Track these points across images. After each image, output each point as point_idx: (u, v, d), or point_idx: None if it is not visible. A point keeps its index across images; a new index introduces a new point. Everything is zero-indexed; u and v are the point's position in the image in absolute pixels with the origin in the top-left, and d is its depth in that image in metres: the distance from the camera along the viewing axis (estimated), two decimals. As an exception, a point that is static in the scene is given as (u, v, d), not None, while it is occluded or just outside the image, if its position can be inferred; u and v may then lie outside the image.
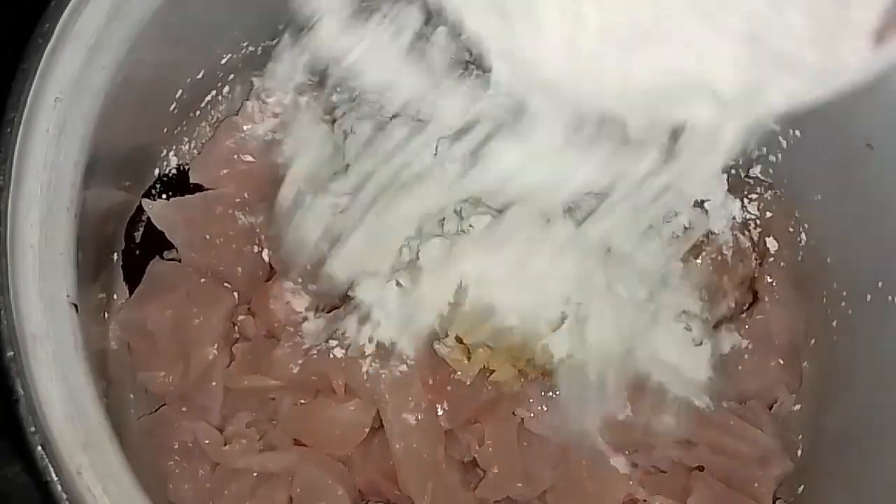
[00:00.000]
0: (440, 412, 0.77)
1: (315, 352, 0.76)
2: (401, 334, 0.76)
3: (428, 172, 0.79)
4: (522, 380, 0.77)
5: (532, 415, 0.77)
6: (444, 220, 0.78)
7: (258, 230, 0.84)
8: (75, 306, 0.61)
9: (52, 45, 0.63)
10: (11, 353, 0.57)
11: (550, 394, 0.77)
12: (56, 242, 0.62)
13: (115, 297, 0.80)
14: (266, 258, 0.84)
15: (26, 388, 0.57)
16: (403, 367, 0.75)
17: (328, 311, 0.79)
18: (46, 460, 0.56)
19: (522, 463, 0.77)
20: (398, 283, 0.75)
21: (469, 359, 0.75)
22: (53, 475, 0.56)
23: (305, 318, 0.79)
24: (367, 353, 0.75)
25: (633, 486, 0.78)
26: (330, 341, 0.76)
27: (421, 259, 0.76)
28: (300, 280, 0.80)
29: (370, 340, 0.76)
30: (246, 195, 0.85)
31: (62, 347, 0.60)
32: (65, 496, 0.55)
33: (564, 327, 0.75)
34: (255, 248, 0.84)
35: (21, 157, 0.61)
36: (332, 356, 0.76)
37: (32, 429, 0.56)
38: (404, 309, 0.75)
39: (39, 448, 0.56)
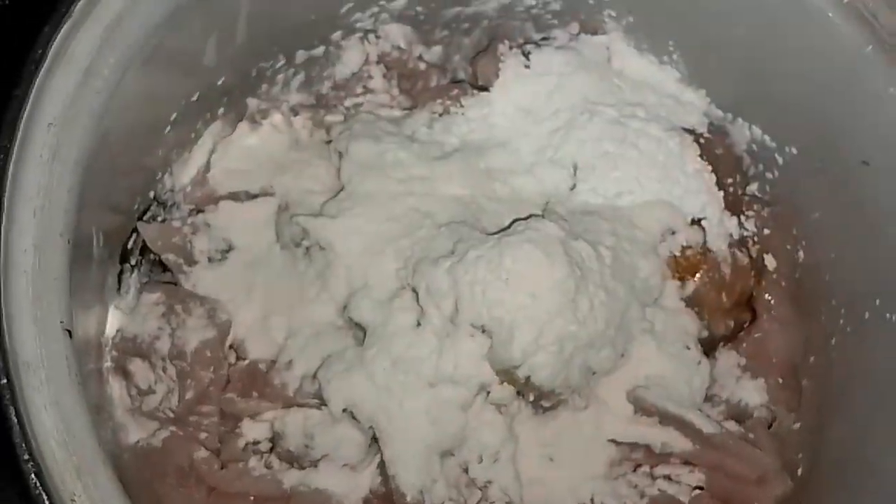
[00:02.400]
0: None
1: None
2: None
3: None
4: (520, 398, 0.77)
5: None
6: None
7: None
8: (69, 332, 0.61)
9: (44, 70, 0.64)
10: (5, 381, 0.57)
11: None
12: (50, 268, 0.62)
13: (110, 320, 0.79)
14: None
15: (20, 415, 0.57)
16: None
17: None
18: (40, 488, 0.55)
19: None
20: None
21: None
22: (47, 503, 0.55)
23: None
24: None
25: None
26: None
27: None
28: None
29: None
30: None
31: (56, 374, 0.60)
32: (59, 523, 0.55)
33: (554, 350, 0.74)
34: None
35: (14, 183, 0.61)
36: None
37: (26, 456, 0.56)
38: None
39: (33, 476, 0.55)
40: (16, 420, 0.56)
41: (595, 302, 0.75)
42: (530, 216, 0.79)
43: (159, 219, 0.84)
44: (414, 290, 0.76)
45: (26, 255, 0.61)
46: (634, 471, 0.79)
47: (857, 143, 0.77)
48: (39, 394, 0.58)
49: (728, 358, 0.85)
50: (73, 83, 0.65)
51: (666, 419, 0.78)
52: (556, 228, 0.75)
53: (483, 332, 0.74)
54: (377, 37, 0.91)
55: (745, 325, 0.86)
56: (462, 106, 0.87)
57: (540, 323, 0.73)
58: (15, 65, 0.63)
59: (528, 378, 0.74)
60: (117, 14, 0.67)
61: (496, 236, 0.76)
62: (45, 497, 0.55)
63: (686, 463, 0.79)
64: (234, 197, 0.85)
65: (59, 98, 0.64)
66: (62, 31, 0.64)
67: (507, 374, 0.75)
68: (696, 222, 0.84)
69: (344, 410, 0.76)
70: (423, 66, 0.92)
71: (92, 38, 0.66)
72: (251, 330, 0.81)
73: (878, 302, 0.77)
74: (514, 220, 0.79)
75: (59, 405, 0.59)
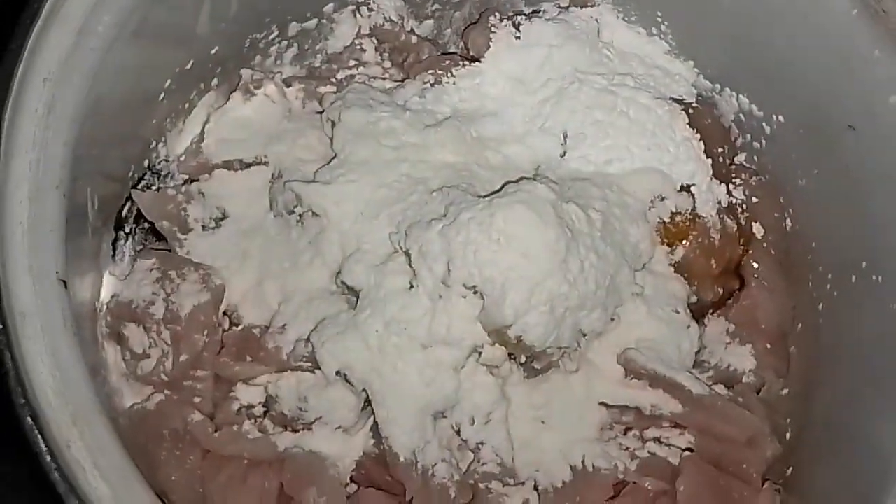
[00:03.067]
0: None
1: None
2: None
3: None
4: (512, 361, 0.77)
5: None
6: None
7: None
8: (64, 283, 0.62)
9: (40, 24, 0.64)
10: (0, 327, 0.57)
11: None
12: (45, 220, 0.63)
13: (104, 286, 0.79)
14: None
15: (15, 361, 0.57)
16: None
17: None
18: (36, 431, 0.56)
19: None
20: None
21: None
22: (43, 446, 0.56)
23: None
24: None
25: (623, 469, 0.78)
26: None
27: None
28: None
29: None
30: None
31: (51, 323, 0.60)
32: (54, 467, 0.55)
33: (545, 310, 0.75)
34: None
35: (10, 135, 0.62)
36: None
37: (22, 401, 0.56)
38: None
39: (29, 419, 0.56)
40: (12, 366, 0.57)
41: (585, 264, 0.76)
42: (521, 178, 0.80)
43: (153, 187, 0.85)
44: (407, 254, 0.77)
45: (22, 206, 0.61)
46: (625, 433, 0.80)
47: (843, 108, 0.77)
48: (35, 343, 0.59)
49: (716, 325, 0.86)
50: (68, 40, 0.66)
51: (656, 381, 0.79)
52: (547, 190, 0.76)
53: (475, 292, 0.75)
54: (369, 9, 0.92)
55: (733, 293, 0.87)
56: (453, 76, 0.88)
57: (531, 283, 0.74)
58: (10, 19, 0.63)
59: (519, 338, 0.75)
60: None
61: (488, 198, 0.76)
62: (41, 440, 0.56)
63: (676, 425, 0.80)
64: (228, 166, 0.86)
65: (55, 54, 0.65)
66: (57, -13, 0.65)
67: (499, 335, 0.76)
68: (686, 189, 0.85)
69: (337, 373, 0.77)
70: (414, 39, 0.93)
71: (86, -1, 0.67)
72: (245, 296, 0.82)
73: (864, 265, 0.78)
74: (506, 183, 0.79)
75: (54, 354, 0.59)
